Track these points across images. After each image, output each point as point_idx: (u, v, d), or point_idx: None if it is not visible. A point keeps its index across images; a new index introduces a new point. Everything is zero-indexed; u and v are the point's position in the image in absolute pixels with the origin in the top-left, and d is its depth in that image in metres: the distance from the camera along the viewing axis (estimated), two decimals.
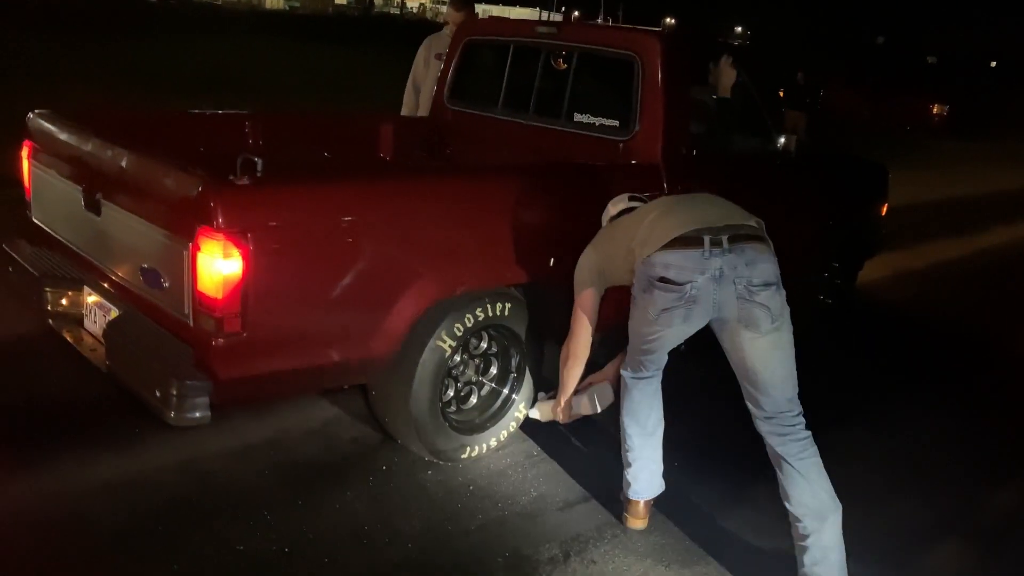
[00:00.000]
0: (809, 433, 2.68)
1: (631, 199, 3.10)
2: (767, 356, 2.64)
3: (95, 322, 3.04)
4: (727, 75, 4.00)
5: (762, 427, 2.72)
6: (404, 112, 5.46)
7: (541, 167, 3.51)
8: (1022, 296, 6.66)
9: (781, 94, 16.73)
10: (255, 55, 21.12)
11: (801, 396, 2.70)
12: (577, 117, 3.99)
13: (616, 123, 3.83)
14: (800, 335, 2.72)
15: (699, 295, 2.58)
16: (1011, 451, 3.96)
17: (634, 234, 2.76)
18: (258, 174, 2.58)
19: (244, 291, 2.45)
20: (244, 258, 2.43)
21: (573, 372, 3.04)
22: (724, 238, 2.61)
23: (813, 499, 2.62)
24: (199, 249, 2.43)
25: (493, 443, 3.27)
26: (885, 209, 5.44)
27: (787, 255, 4.69)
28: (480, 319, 3.07)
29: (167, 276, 2.62)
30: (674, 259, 2.59)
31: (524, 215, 3.18)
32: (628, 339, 2.89)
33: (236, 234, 2.40)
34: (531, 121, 4.19)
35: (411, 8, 73.91)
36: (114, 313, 2.90)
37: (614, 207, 3.11)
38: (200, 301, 2.48)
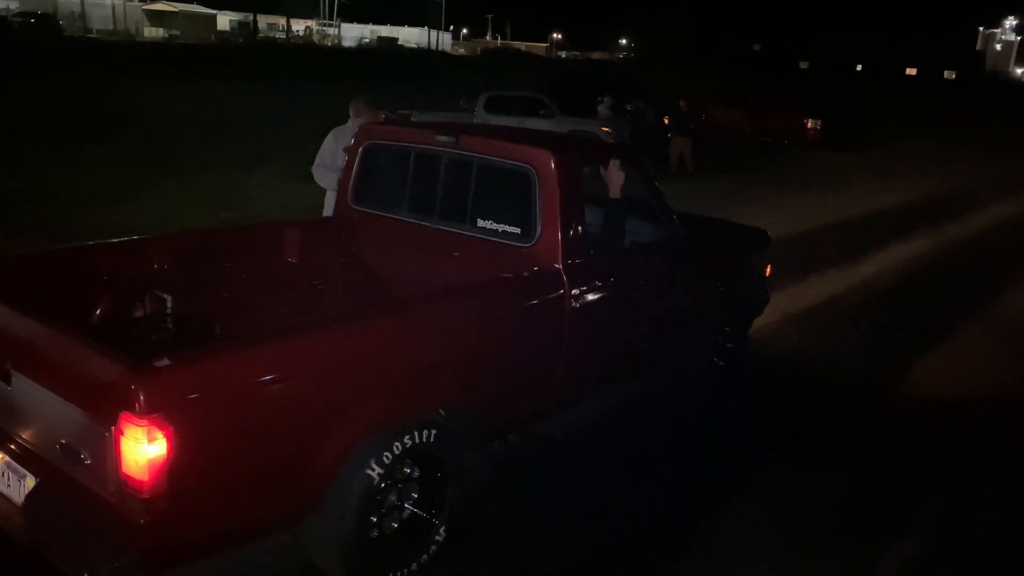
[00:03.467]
0: None
1: None
2: None
3: (8, 484, 2.99)
4: (616, 177, 4.26)
5: None
6: (328, 187, 5.51)
7: (448, 293, 3.65)
8: (895, 334, 7.17)
9: (666, 121, 17.47)
10: (142, 97, 20.44)
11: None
12: (481, 223, 4.16)
13: (518, 230, 4.01)
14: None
15: None
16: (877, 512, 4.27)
17: None
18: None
19: (170, 469, 2.49)
20: (168, 438, 2.46)
21: None
22: None
23: None
24: (122, 434, 2.46)
25: (415, 567, 3.36)
26: (769, 270, 5.81)
27: (687, 328, 5.04)
28: (407, 446, 3.18)
29: (88, 454, 2.63)
30: None
31: (440, 342, 3.33)
32: None
33: (159, 417, 2.44)
34: (436, 224, 4.33)
35: (297, 32, 72.74)
36: (31, 480, 2.87)
37: None
38: (126, 482, 2.50)
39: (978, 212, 14.07)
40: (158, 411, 2.44)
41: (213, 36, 63.49)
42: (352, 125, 5.41)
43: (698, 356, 5.42)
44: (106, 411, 2.49)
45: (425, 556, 3.39)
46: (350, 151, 4.75)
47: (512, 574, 3.56)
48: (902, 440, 5.04)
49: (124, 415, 2.44)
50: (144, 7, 68.39)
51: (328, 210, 5.46)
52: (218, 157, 12.76)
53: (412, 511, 3.35)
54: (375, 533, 3.23)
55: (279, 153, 12.76)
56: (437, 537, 3.42)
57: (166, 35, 61.77)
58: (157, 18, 68.13)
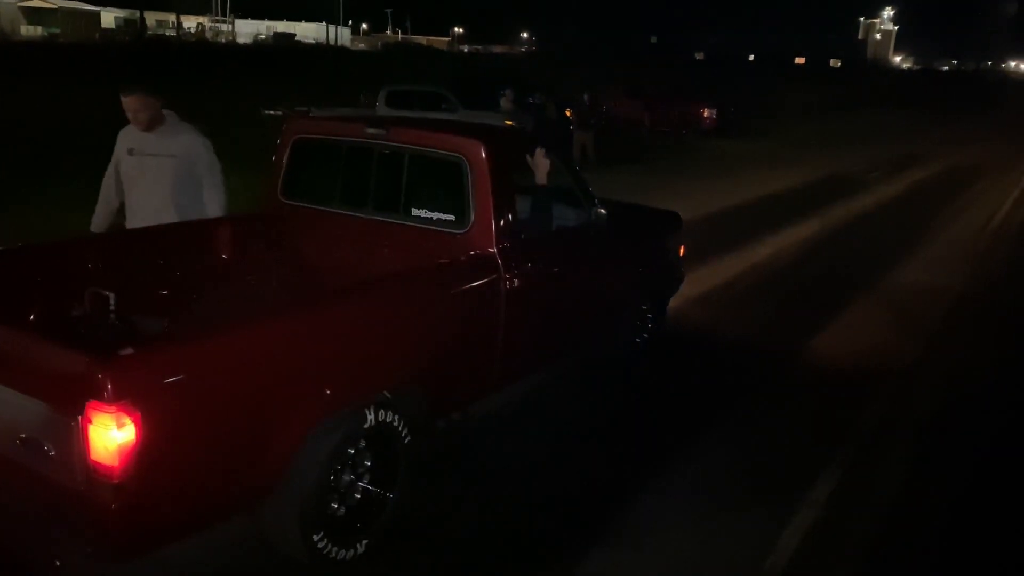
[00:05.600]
0: None
1: None
2: None
3: None
4: (543, 164, 4.49)
5: None
6: (100, 201, 4.79)
7: (389, 279, 3.79)
8: (794, 309, 7.66)
9: (568, 114, 17.87)
10: (17, 100, 19.39)
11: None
12: (415, 212, 4.31)
13: (452, 217, 4.19)
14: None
15: None
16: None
17: None
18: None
19: (138, 454, 2.57)
20: (136, 424, 2.54)
21: None
22: None
23: None
24: (90, 422, 2.52)
25: (364, 544, 3.47)
26: (682, 250, 6.16)
27: (611, 307, 5.31)
28: (359, 426, 3.32)
29: (52, 446, 2.67)
30: None
31: (382, 326, 3.48)
32: None
33: (127, 404, 2.52)
34: (370, 215, 4.46)
35: (188, 29, 70.25)
36: None
37: None
38: (95, 469, 2.56)
39: (866, 192, 15.01)
40: (125, 398, 2.51)
41: (97, 34, 60.68)
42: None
43: (621, 334, 5.70)
44: (72, 401, 2.54)
45: (376, 533, 3.52)
46: (278, 147, 4.80)
47: (451, 548, 3.72)
48: (807, 408, 5.42)
49: (92, 403, 2.50)
50: (20, 4, 64.80)
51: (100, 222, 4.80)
52: (100, 162, 12.15)
53: (365, 488, 3.49)
54: (331, 510, 3.35)
55: None
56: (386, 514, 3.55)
57: (45, 33, 58.70)
58: (35, 15, 64.66)
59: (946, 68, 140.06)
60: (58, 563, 2.60)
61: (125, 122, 4.56)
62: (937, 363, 6.39)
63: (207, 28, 73.65)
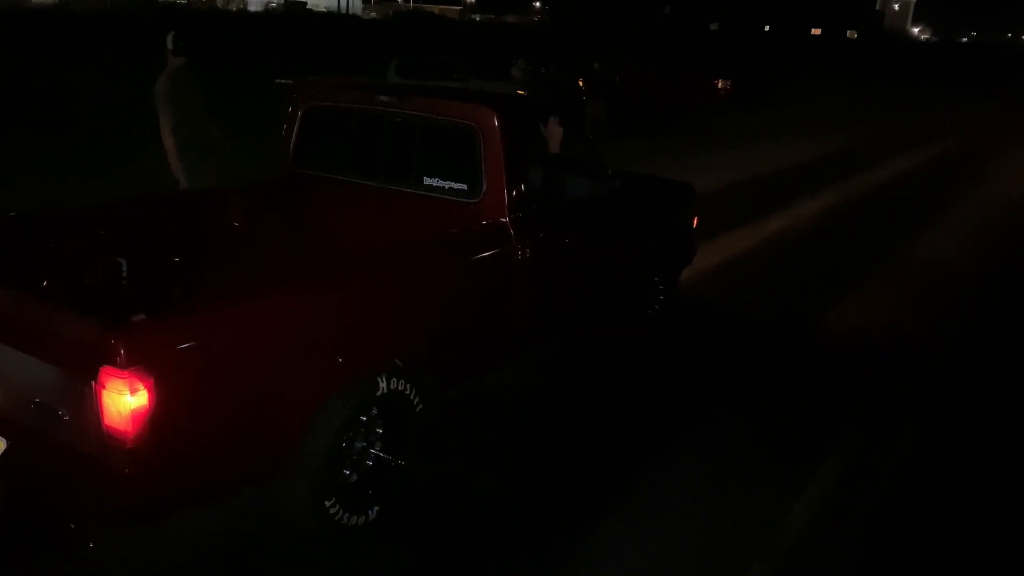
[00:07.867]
0: None
1: None
2: None
3: None
4: (556, 133, 4.45)
5: None
6: None
7: (408, 246, 3.77)
8: (808, 283, 7.59)
9: (581, 83, 17.70)
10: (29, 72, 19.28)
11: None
12: (427, 181, 4.29)
13: (465, 186, 4.16)
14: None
15: None
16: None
17: None
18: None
19: (152, 418, 2.58)
20: (149, 389, 2.55)
21: None
22: None
23: None
24: (104, 387, 2.53)
25: (376, 511, 3.50)
26: (696, 222, 6.11)
27: (623, 278, 5.29)
28: (371, 394, 3.32)
29: (66, 411, 2.69)
30: None
31: (394, 295, 3.48)
32: None
33: (140, 369, 2.52)
34: (382, 184, 4.44)
35: None
36: (1, 444, 2.90)
37: None
38: (109, 434, 2.58)
39: (879, 167, 14.83)
40: (138, 363, 2.52)
41: (108, 2, 60.42)
42: None
43: (634, 305, 5.69)
44: (86, 367, 2.55)
45: (387, 499, 3.54)
46: (288, 116, 4.77)
47: (462, 515, 3.73)
48: (819, 383, 5.38)
49: (105, 369, 2.51)
50: None
51: None
52: (111, 135, 12.09)
53: (377, 455, 3.50)
54: (343, 477, 3.37)
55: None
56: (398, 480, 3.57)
57: (57, 0, 58.46)
58: None
59: (965, 40, 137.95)
60: (72, 526, 2.62)
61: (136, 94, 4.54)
62: (954, 340, 6.33)
63: None
